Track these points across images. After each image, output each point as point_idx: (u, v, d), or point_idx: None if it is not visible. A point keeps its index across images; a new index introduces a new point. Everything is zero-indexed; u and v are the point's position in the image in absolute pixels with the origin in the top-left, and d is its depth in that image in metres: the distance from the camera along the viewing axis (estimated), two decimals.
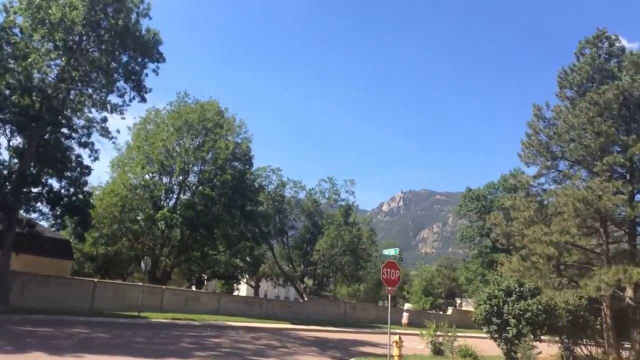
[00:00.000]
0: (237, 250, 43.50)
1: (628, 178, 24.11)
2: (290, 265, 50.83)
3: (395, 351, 16.76)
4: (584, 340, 23.09)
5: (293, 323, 34.64)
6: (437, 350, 19.43)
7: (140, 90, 24.58)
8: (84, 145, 24.29)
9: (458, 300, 75.33)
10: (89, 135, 24.21)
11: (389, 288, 15.72)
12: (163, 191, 35.87)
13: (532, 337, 16.85)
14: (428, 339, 19.79)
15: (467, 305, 73.95)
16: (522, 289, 18.39)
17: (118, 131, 28.53)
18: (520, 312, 17.40)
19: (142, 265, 29.53)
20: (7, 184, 22.49)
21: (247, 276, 64.31)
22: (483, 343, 20.87)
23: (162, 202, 36.54)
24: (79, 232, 25.88)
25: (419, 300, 60.56)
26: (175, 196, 37.48)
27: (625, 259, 22.38)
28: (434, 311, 61.53)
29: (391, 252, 16.38)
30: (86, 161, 25.03)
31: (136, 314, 28.10)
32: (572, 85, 26.09)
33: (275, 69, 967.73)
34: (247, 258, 43.06)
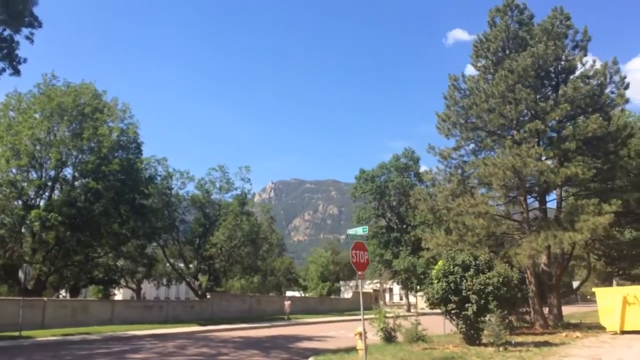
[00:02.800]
0: (125, 251, 38.81)
1: (547, 144, 24.56)
2: (183, 262, 46.91)
3: (359, 344, 14.89)
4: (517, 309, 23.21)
5: (201, 324, 31.38)
6: (389, 337, 17.95)
7: (12, 60, 19.66)
8: None
9: (341, 283, 75.93)
10: None
11: (359, 272, 13.71)
12: (34, 188, 30.20)
13: (500, 312, 15.93)
14: (379, 325, 18.18)
15: (362, 288, 74.95)
16: (477, 262, 17.44)
17: None
18: (482, 287, 16.40)
19: (21, 275, 24.38)
20: None
21: (128, 279, 58.77)
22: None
23: (33, 201, 30.85)
24: None
25: (316, 286, 59.67)
26: (49, 193, 31.86)
27: (552, 226, 22.67)
28: (333, 295, 61.36)
29: (358, 231, 14.34)
30: None
31: (16, 333, 23.15)
32: (487, 54, 26.04)
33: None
34: (138, 258, 38.37)
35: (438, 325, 22.28)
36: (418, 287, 51.60)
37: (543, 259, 26.11)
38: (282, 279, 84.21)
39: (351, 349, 16.49)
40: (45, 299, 28.24)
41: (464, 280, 16.88)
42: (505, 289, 16.77)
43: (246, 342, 21.32)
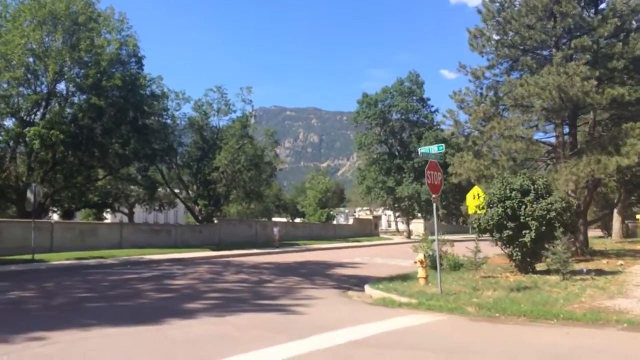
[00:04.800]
0: (126, 173, 37.13)
1: (593, 63, 23.04)
2: (182, 187, 45.42)
3: (421, 272, 13.98)
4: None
5: (212, 249, 30.52)
6: (435, 265, 17.07)
7: None
8: None
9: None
10: None
11: (434, 195, 12.51)
12: (31, 103, 27.81)
13: (567, 238, 15.06)
14: (425, 251, 17.28)
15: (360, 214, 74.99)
16: (535, 186, 16.38)
17: None
18: (544, 213, 15.42)
19: (29, 195, 22.70)
20: None
21: (122, 203, 57.28)
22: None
23: (30, 117, 28.59)
24: None
25: (315, 212, 59.20)
26: (43, 110, 29.51)
27: (595, 150, 21.65)
28: (332, 221, 61.13)
29: (432, 149, 12.93)
30: None
31: (27, 257, 21.88)
32: None
33: None
34: (140, 181, 36.70)
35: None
36: (420, 214, 51.62)
37: (571, 185, 25.34)
38: (272, 205, 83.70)
39: (403, 276, 15.67)
40: (52, 220, 26.87)
41: (523, 206, 15.84)
42: (568, 214, 15.84)
43: (278, 268, 20.43)
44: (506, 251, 16.79)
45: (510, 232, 15.95)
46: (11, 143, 30.29)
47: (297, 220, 73.89)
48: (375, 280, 15.18)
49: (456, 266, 17.36)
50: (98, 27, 29.13)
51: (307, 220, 60.15)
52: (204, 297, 12.31)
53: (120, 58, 30.15)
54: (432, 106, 53.88)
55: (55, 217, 46.72)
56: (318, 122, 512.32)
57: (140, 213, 66.19)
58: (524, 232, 15.72)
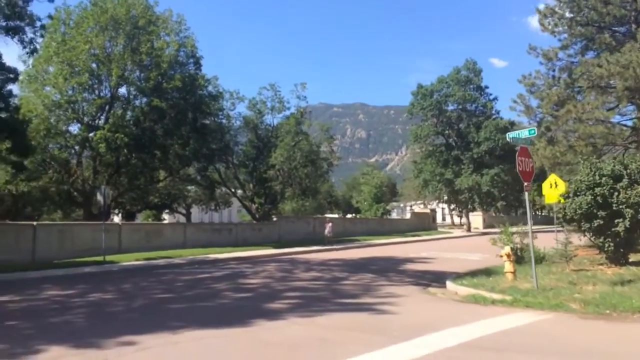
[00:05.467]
0: (185, 174, 37.56)
1: None
2: (238, 185, 45.62)
3: (508, 266, 13.10)
4: None
5: (274, 247, 30.29)
6: (518, 258, 16.07)
7: None
8: (10, 31, 16.77)
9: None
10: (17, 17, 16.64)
11: (526, 183, 11.61)
12: (97, 107, 28.37)
13: None
14: (507, 243, 16.27)
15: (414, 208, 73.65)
16: (628, 171, 15.15)
17: (42, 24, 19.85)
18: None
19: (99, 197, 23.12)
20: None
21: (183, 204, 58.30)
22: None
23: (94, 121, 29.19)
24: (15, 160, 18.84)
25: (370, 207, 58.43)
26: (106, 113, 30.05)
27: None
28: (387, 216, 60.13)
29: (522, 133, 12.01)
30: (10, 61, 17.66)
31: (98, 258, 22.21)
32: None
33: None
34: (200, 181, 37.03)
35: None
36: (481, 207, 49.95)
37: None
38: (324, 202, 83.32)
39: (485, 271, 14.83)
40: (120, 222, 27.31)
41: (615, 193, 14.63)
42: None
43: (347, 265, 19.89)
44: (596, 242, 15.59)
45: (601, 222, 14.76)
46: (77, 148, 31.11)
47: (349, 216, 73.28)
48: (455, 276, 14.42)
49: (538, 259, 16.30)
50: (157, 29, 29.47)
51: (363, 215, 59.37)
52: (283, 297, 11.89)
53: (178, 59, 30.39)
54: (491, 94, 51.89)
55: (116, 219, 48.02)
56: (365, 117, 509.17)
57: (196, 213, 67.33)
58: (616, 221, 14.51)
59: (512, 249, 15.63)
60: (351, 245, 33.04)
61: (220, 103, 40.09)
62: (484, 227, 59.39)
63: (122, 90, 30.34)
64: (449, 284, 13.33)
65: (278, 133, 42.38)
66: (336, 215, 73.50)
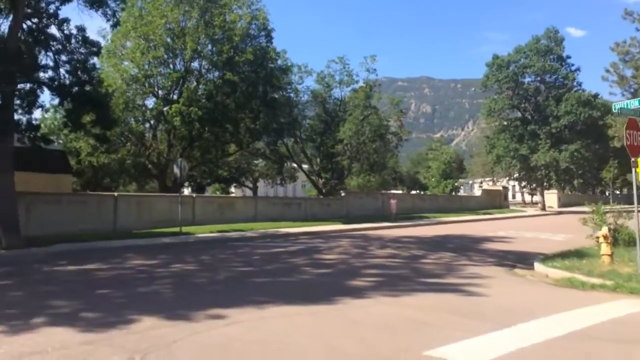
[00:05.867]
0: (255, 148, 37.92)
1: None
2: (305, 160, 45.62)
3: (605, 248, 12.16)
4: None
5: (343, 222, 30.12)
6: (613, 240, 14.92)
7: None
8: (95, 3, 17.13)
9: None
10: None
11: (633, 159, 10.63)
12: (172, 81, 28.87)
13: None
14: (598, 223, 15.17)
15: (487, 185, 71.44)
16: None
17: None
18: None
19: (176, 170, 23.66)
20: None
21: (251, 178, 59.20)
22: None
23: (169, 95, 29.77)
24: (98, 133, 19.48)
25: (438, 184, 57.10)
26: (182, 86, 30.51)
27: None
28: (456, 193, 58.62)
29: (632, 103, 10.94)
30: (90, 35, 18.08)
31: (174, 229, 22.85)
32: None
33: None
34: (270, 155, 37.27)
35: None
36: (558, 184, 47.60)
37: None
38: (389, 178, 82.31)
39: (575, 253, 13.90)
40: (194, 195, 27.95)
41: None
42: None
43: (422, 242, 19.39)
44: None
45: None
46: (152, 121, 31.97)
47: (413, 192, 72.21)
48: (542, 257, 13.62)
49: (630, 241, 15.13)
50: (230, 2, 29.51)
51: (431, 192, 58.13)
52: (364, 274, 11.59)
53: (250, 32, 30.37)
54: (572, 64, 48.75)
55: (186, 191, 49.46)
56: (430, 91, 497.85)
57: (262, 187, 68.24)
58: None
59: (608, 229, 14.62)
60: (421, 222, 32.36)
61: (289, 77, 39.97)
62: (559, 206, 56.74)
63: (195, 64, 30.70)
64: (537, 265, 12.58)
65: (346, 107, 41.86)
66: (400, 192, 72.62)
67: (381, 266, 12.88)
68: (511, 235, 22.68)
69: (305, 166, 46.12)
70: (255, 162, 51.66)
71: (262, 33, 31.17)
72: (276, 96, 33.26)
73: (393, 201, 33.84)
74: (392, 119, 41.39)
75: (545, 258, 13.41)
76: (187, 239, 20.70)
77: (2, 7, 16.59)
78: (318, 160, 44.33)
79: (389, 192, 56.57)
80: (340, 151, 40.47)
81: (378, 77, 45.98)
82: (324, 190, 42.88)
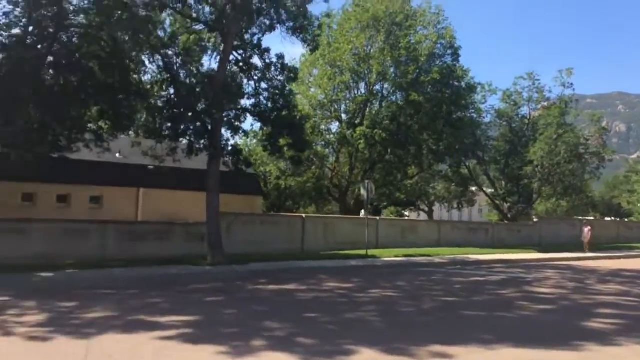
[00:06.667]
0: (434, 170, 36.78)
1: None
2: (488, 183, 42.96)
3: None
4: None
5: (536, 251, 27.37)
6: None
7: None
8: (297, 30, 17.94)
9: None
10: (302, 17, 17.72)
11: None
12: (357, 104, 29.32)
13: None
14: None
15: None
16: None
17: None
18: None
19: (362, 191, 23.64)
20: (202, 99, 17.08)
21: (426, 201, 57.91)
22: None
23: (354, 119, 30.20)
24: (292, 155, 20.26)
25: None
26: (362, 110, 30.78)
27: None
28: None
29: None
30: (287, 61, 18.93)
31: (359, 252, 22.66)
32: None
33: None
34: (452, 177, 35.81)
35: None
36: None
37: None
38: (579, 203, 74.13)
39: None
40: (378, 217, 27.73)
41: None
42: None
43: None
44: None
45: None
46: (335, 145, 32.69)
47: (607, 219, 64.00)
48: None
49: None
50: (415, 24, 29.29)
51: (636, 219, 50.88)
52: (597, 314, 9.80)
53: (435, 52, 29.69)
54: None
55: (361, 214, 49.78)
56: (625, 108, 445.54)
57: (437, 211, 66.09)
58: None
59: None
60: (632, 253, 28.05)
61: (472, 96, 38.18)
62: None
63: (377, 87, 30.84)
64: None
65: (536, 126, 38.61)
66: (590, 218, 64.82)
67: (614, 305, 10.88)
68: None
69: (488, 190, 43.50)
70: (432, 185, 50.28)
71: (448, 52, 30.28)
72: (460, 116, 31.85)
73: (586, 228, 29.57)
74: (591, 138, 37.05)
75: None
76: (373, 262, 20.30)
77: (214, 41, 18.16)
78: (502, 183, 41.50)
79: (587, 218, 50.76)
80: (529, 173, 37.30)
81: (567, 94, 41.84)
82: (509, 215, 39.83)
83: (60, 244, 17.20)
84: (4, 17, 15.65)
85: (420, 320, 9.05)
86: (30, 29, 16.39)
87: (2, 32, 15.90)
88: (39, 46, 16.68)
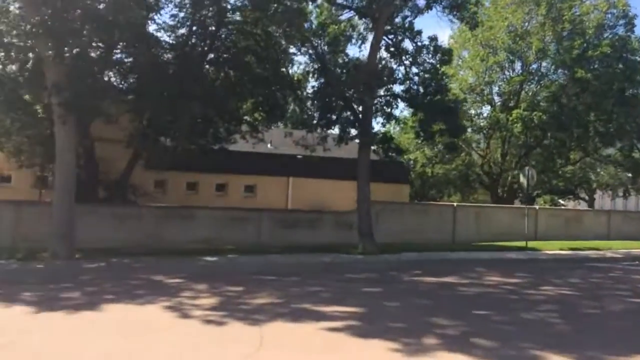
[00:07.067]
0: (600, 154, 33.07)
1: None
2: None
3: None
4: None
5: None
6: None
7: None
8: (454, 8, 17.05)
9: None
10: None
11: None
12: (512, 85, 27.27)
13: None
14: None
15: None
16: None
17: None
18: None
19: (522, 179, 21.91)
20: (352, 87, 16.92)
21: (587, 189, 52.58)
22: None
23: (509, 101, 28.16)
24: (447, 141, 19.42)
25: None
26: (520, 91, 28.47)
27: None
28: None
29: None
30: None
31: (518, 244, 21.12)
32: None
33: None
34: (623, 162, 31.94)
35: None
36: None
37: None
38: None
39: None
40: (537, 207, 25.75)
41: None
42: None
43: None
44: None
45: None
46: (487, 130, 30.80)
47: None
48: None
49: None
50: None
51: None
52: None
53: (605, 22, 26.49)
54: None
55: (515, 203, 46.51)
56: None
57: (597, 200, 59.72)
58: None
59: None
60: None
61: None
62: None
63: (534, 65, 28.38)
64: None
65: None
66: None
67: None
68: None
69: None
70: (598, 170, 45.37)
71: (621, 22, 26.71)
72: (635, 92, 28.16)
73: None
74: None
75: None
76: (535, 255, 18.78)
77: (365, 27, 17.94)
78: None
79: None
80: None
81: None
82: None
83: (221, 230, 18.21)
84: (172, 19, 16.87)
85: (612, 325, 7.90)
86: (194, 28, 17.52)
87: (170, 33, 17.20)
88: (202, 44, 17.80)
